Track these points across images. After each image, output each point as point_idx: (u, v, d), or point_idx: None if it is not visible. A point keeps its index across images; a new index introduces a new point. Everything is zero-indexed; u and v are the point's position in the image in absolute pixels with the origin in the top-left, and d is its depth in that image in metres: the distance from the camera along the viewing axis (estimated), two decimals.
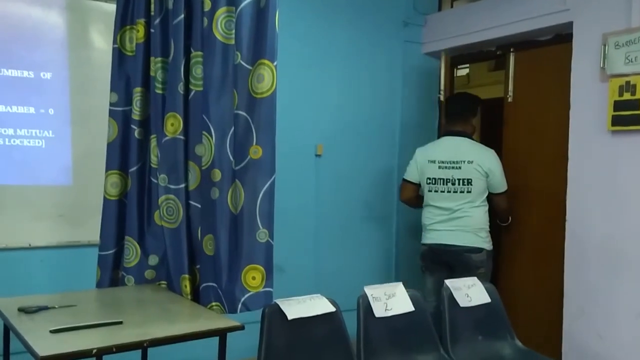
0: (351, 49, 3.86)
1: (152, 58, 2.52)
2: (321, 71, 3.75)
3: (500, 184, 3.31)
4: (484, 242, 3.27)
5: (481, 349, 2.79)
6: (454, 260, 3.30)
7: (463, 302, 2.80)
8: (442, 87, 4.03)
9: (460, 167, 3.28)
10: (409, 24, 4.09)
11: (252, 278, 2.20)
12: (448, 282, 2.85)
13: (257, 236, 2.19)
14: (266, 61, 2.15)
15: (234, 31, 2.25)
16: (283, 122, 3.42)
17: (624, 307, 2.91)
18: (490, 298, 2.89)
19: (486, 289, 2.92)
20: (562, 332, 3.21)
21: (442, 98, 4.01)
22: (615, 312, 2.95)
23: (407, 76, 4.12)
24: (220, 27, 2.28)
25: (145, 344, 1.76)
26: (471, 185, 3.26)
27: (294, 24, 3.53)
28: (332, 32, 3.78)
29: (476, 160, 3.25)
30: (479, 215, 3.28)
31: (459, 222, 3.29)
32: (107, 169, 2.65)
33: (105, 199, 2.65)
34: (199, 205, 2.39)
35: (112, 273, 2.64)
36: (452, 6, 4.22)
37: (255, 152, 2.19)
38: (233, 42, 2.26)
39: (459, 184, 3.28)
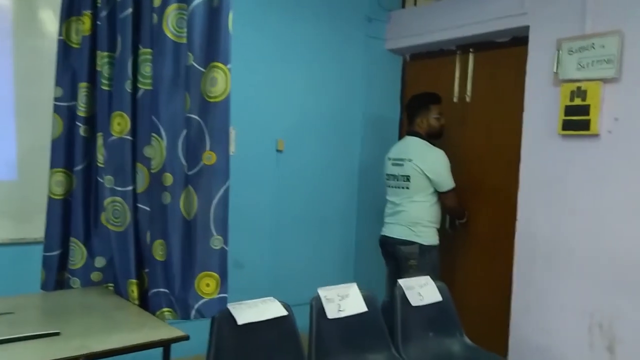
0: (314, 43, 3.82)
1: (98, 52, 2.40)
2: (284, 65, 3.69)
3: (443, 183, 3.39)
4: (416, 235, 3.40)
5: (431, 347, 2.83)
6: (394, 251, 3.48)
7: (415, 301, 2.83)
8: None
9: (402, 165, 3.45)
10: (372, 20, 4.07)
11: (206, 285, 2.15)
12: (401, 281, 2.88)
13: (211, 243, 2.14)
14: (220, 64, 2.08)
15: (185, 29, 2.17)
16: (244, 117, 3.39)
17: (567, 304, 3.01)
18: (442, 296, 2.93)
19: (438, 287, 2.95)
20: (509, 328, 3.29)
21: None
22: (560, 308, 3.04)
23: (370, 72, 4.11)
24: (171, 24, 2.19)
25: (81, 358, 1.68)
26: (409, 182, 3.41)
27: (257, 17, 3.47)
28: (296, 26, 3.72)
29: (415, 159, 3.38)
30: (416, 210, 3.41)
31: (398, 216, 3.48)
32: (51, 167, 2.53)
33: (49, 197, 2.54)
34: (148, 209, 2.31)
35: (57, 275, 2.54)
36: (415, 4, 4.21)
37: (209, 157, 2.13)
38: (185, 40, 2.17)
39: (401, 180, 3.45)
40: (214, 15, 2.11)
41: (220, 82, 2.09)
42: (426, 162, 3.37)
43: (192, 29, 2.14)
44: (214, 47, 2.11)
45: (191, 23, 2.14)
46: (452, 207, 3.50)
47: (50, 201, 2.53)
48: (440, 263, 3.48)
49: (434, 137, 3.52)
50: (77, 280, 2.50)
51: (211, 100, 2.11)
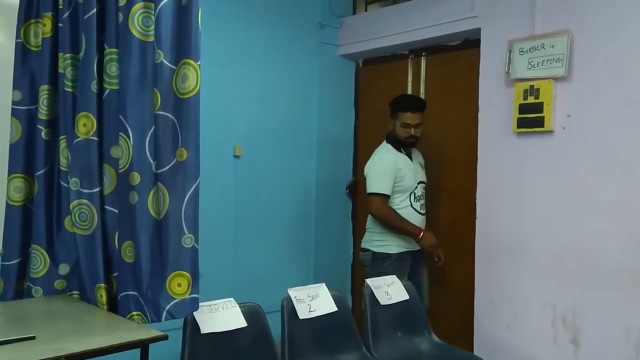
0: (269, 48, 3.84)
1: (60, 54, 2.36)
2: (239, 71, 3.69)
3: (369, 185, 3.28)
4: (369, 243, 3.35)
5: (401, 345, 2.88)
6: None
7: (383, 300, 2.87)
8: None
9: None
10: (325, 26, 4.13)
11: (178, 285, 2.11)
12: (369, 281, 2.92)
13: (183, 242, 2.11)
14: (190, 61, 2.08)
15: (152, 28, 2.16)
16: (201, 123, 3.36)
17: (529, 299, 3.09)
18: (409, 295, 2.98)
19: (404, 286, 3.00)
20: (474, 324, 3.35)
21: None
22: (521, 304, 3.13)
23: (323, 77, 4.16)
24: (137, 23, 2.17)
25: None
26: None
27: (210, 22, 3.43)
28: (250, 31, 3.74)
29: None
30: (370, 217, 3.37)
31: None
32: (9, 173, 2.45)
33: (7, 204, 2.45)
34: (116, 211, 2.27)
35: (16, 284, 2.44)
36: (366, 10, 4.30)
37: (181, 154, 2.11)
38: (152, 39, 2.16)
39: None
40: (184, 13, 2.11)
41: (191, 78, 2.08)
42: (367, 165, 3.35)
43: (161, 27, 2.13)
44: (184, 45, 2.10)
45: (159, 21, 2.13)
46: (373, 214, 3.30)
47: (9, 208, 2.45)
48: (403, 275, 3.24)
49: (402, 145, 3.35)
50: (40, 289, 2.41)
51: (183, 96, 2.10)
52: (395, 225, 3.26)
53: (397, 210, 3.28)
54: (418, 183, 3.37)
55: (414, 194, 3.34)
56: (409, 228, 3.25)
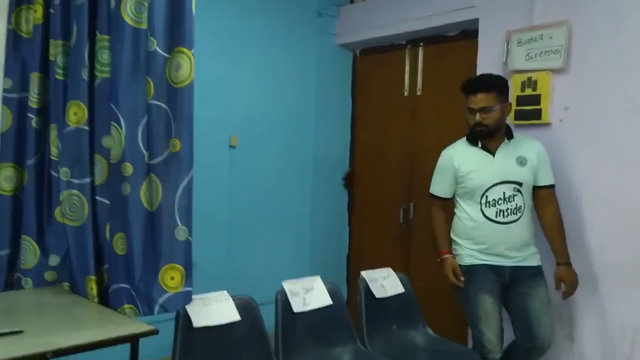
0: (265, 38, 3.79)
1: (51, 41, 2.32)
2: (234, 60, 3.64)
3: None
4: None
5: (396, 339, 2.86)
6: None
7: (379, 293, 2.85)
8: None
9: None
10: (322, 15, 4.07)
11: (171, 278, 2.08)
12: (364, 273, 2.89)
13: (176, 234, 2.08)
14: (184, 49, 2.04)
15: (145, 15, 2.11)
16: (196, 113, 3.32)
17: None
18: (404, 288, 2.96)
19: (399, 279, 2.98)
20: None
21: None
22: None
23: (321, 67, 4.12)
24: (130, 10, 2.13)
25: (48, 355, 1.60)
26: None
27: (205, 11, 3.40)
28: (246, 20, 3.68)
29: None
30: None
31: None
32: (0, 161, 2.42)
33: None
34: (107, 202, 2.23)
35: (6, 275, 2.41)
36: None
37: (174, 145, 2.07)
38: (144, 26, 2.11)
39: None
40: (177, 0, 2.06)
41: (185, 67, 2.04)
42: None
43: (154, 14, 2.08)
44: (177, 33, 2.06)
45: (153, 8, 2.09)
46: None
47: None
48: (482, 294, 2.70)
49: (477, 135, 2.74)
50: (30, 280, 2.38)
51: (176, 86, 2.06)
52: (432, 233, 2.88)
53: (464, 218, 2.75)
54: (498, 183, 2.66)
55: (486, 196, 2.68)
56: (438, 243, 2.82)
